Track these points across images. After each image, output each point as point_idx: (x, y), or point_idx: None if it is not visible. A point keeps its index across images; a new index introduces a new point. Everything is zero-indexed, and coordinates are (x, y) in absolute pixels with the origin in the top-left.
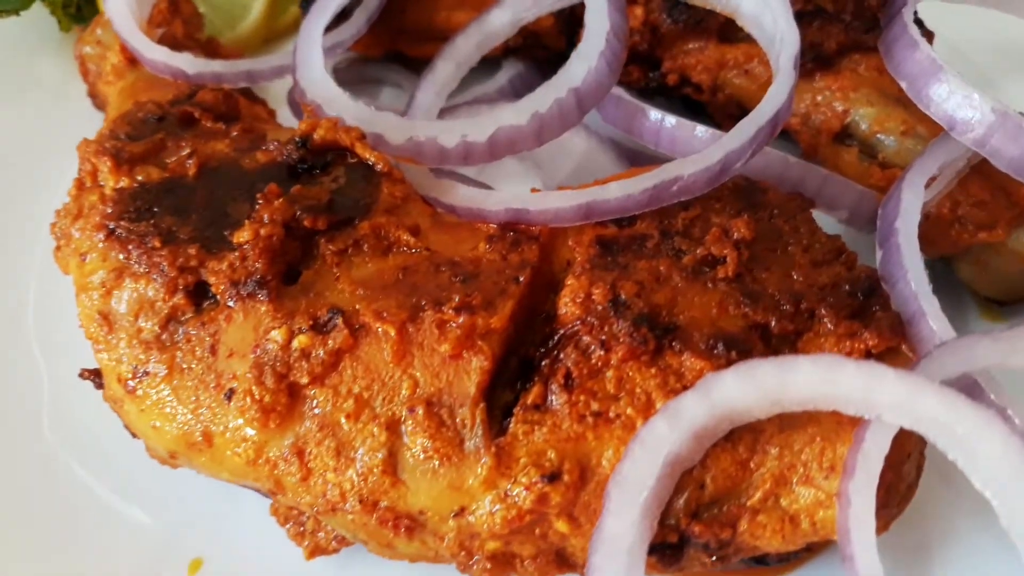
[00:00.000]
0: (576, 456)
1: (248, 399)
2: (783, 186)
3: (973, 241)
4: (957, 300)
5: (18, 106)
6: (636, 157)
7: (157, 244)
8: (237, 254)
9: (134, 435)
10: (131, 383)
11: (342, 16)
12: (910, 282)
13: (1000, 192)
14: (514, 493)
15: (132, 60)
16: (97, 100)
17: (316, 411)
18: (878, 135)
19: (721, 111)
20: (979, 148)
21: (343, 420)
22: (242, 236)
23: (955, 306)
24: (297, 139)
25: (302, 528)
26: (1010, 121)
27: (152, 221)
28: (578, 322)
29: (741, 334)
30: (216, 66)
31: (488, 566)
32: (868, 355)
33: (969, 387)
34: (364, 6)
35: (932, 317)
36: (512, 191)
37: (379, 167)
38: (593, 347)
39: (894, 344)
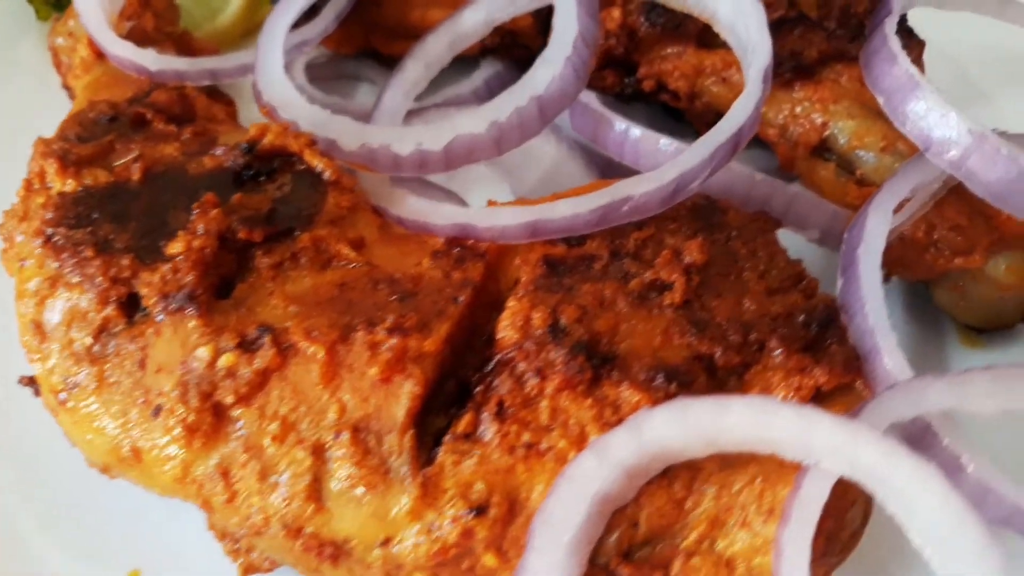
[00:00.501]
0: (505, 489)
1: (173, 417)
2: (749, 204)
3: (949, 267)
4: (936, 324)
5: None
6: (607, 166)
7: (90, 254)
8: (169, 266)
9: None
10: (62, 395)
11: (314, 12)
12: (868, 315)
13: (978, 216)
14: (440, 526)
15: (100, 54)
16: (71, 92)
17: (241, 432)
18: (857, 150)
19: (699, 119)
20: (954, 171)
21: (268, 443)
22: (175, 248)
23: (934, 330)
24: (244, 145)
25: (237, 545)
26: (988, 144)
27: (90, 228)
28: (515, 348)
29: (684, 365)
30: (179, 64)
31: None
32: (818, 392)
33: (922, 430)
34: (333, 3)
35: (888, 354)
36: (479, 196)
37: (327, 175)
38: (528, 375)
39: (847, 381)
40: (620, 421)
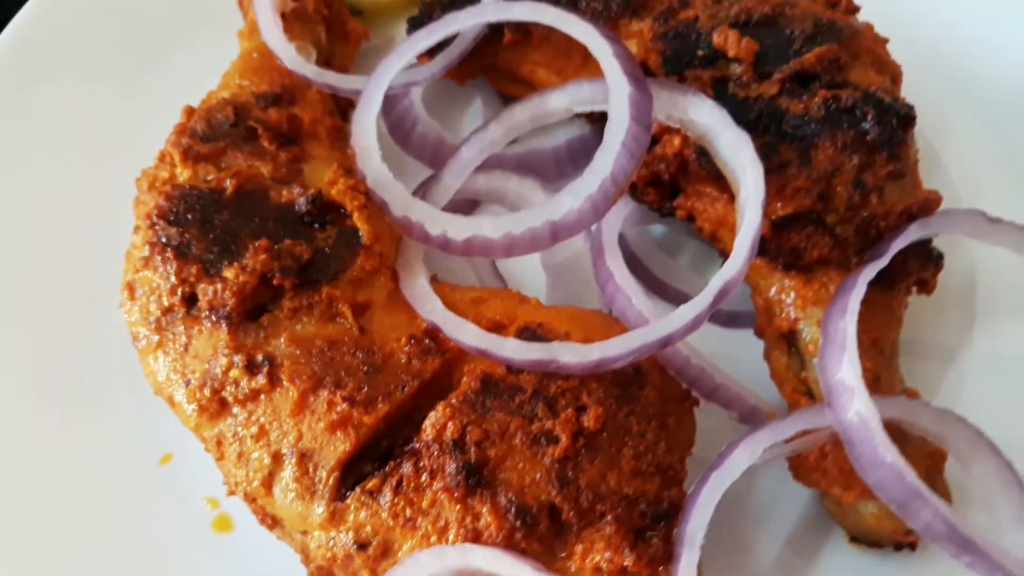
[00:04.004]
0: (384, 539)
1: (194, 394)
2: (681, 377)
3: (829, 490)
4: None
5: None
6: None
7: (171, 255)
8: (220, 285)
9: None
10: (135, 342)
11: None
12: (686, 531)
13: None
14: (335, 543)
15: None
16: None
17: (232, 423)
18: (812, 357)
19: (721, 252)
20: (840, 431)
21: (248, 438)
22: (228, 273)
23: (827, 519)
24: (310, 195)
25: None
26: (868, 429)
27: (181, 228)
28: (426, 445)
29: (536, 509)
30: (308, 70)
31: (316, 574)
32: (624, 571)
33: None
34: (446, 53)
35: (682, 570)
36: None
37: (363, 239)
38: (425, 470)
39: (649, 573)
40: (476, 530)
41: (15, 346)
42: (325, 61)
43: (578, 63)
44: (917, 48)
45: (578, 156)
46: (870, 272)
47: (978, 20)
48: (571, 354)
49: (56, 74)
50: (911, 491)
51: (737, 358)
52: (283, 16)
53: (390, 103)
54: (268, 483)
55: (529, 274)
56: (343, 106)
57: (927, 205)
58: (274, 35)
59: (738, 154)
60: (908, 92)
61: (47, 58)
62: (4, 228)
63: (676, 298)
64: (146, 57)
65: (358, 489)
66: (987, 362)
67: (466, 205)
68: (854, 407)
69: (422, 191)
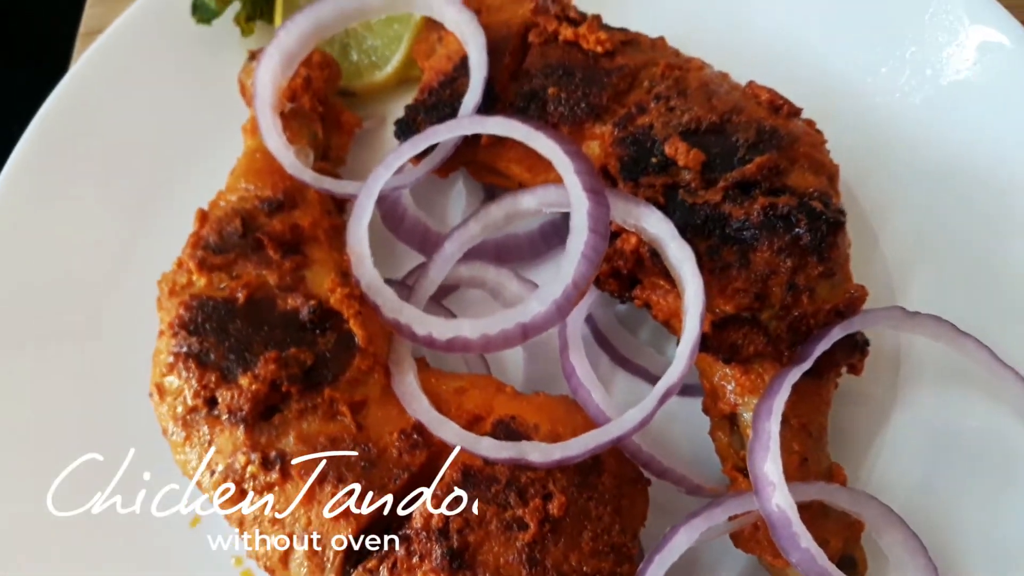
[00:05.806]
0: None
1: (218, 484)
2: (635, 460)
3: (763, 557)
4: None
5: (200, 99)
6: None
7: (193, 364)
8: (236, 392)
9: None
10: (165, 435)
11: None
12: None
13: None
14: None
15: None
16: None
17: (251, 509)
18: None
19: (675, 335)
20: (764, 516)
21: (266, 521)
22: (243, 381)
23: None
24: (311, 306)
25: None
26: (786, 516)
27: (200, 337)
28: (415, 531)
29: None
30: (307, 175)
31: None
32: None
33: None
34: (428, 160)
35: None
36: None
37: (359, 343)
38: (415, 554)
39: None
40: None
41: (66, 421)
42: (323, 153)
43: (548, 162)
44: (862, 133)
45: (550, 238)
46: (795, 375)
47: (920, 112)
48: (537, 453)
49: (80, 161)
50: (822, 570)
51: (692, 423)
52: (281, 115)
53: (383, 196)
54: (284, 560)
55: (509, 351)
56: (340, 201)
57: (853, 302)
58: (275, 140)
59: (682, 264)
60: (854, 177)
61: (71, 149)
62: (50, 287)
63: (637, 372)
64: (166, 153)
65: (360, 567)
66: (910, 429)
67: (451, 288)
68: (775, 499)
69: (413, 277)
